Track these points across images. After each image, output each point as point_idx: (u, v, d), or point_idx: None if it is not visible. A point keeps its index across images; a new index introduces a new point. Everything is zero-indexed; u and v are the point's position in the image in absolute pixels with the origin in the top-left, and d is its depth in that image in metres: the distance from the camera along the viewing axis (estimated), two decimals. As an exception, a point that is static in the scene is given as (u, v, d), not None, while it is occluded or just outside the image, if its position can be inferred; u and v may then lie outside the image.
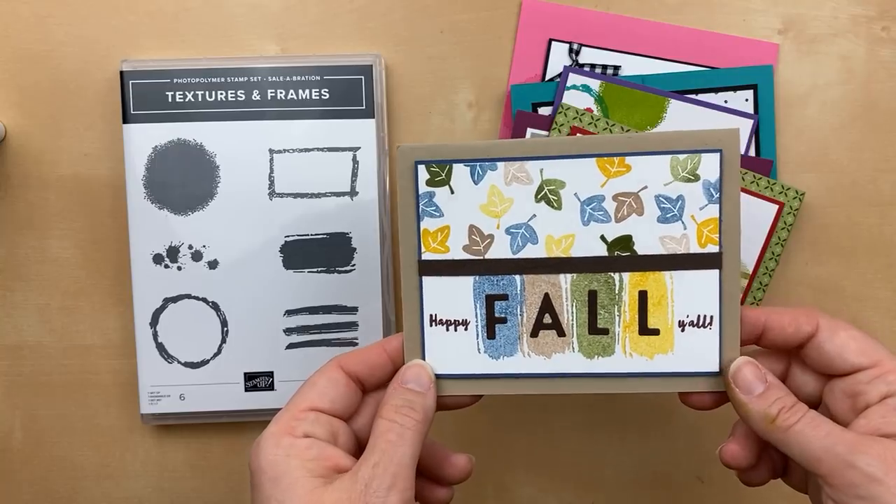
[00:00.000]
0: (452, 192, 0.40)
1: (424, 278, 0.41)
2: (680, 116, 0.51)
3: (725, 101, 0.52)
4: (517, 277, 0.40)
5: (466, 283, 0.41)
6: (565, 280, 0.40)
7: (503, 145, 0.40)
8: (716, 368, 0.40)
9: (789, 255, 0.53)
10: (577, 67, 0.52)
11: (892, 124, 0.53)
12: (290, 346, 0.52)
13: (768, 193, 0.51)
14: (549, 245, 0.40)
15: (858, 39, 0.52)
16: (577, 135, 0.50)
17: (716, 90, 0.52)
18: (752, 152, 0.52)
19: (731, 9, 0.52)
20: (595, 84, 0.52)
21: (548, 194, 0.40)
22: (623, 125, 0.51)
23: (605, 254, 0.40)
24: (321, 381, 0.40)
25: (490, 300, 0.41)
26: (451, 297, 0.41)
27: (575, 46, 0.52)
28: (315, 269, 0.52)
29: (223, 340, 0.52)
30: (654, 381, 0.40)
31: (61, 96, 0.52)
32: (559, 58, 0.52)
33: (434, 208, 0.40)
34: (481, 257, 0.40)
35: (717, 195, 0.39)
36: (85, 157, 0.53)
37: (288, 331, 0.52)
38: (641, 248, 0.40)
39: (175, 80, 0.51)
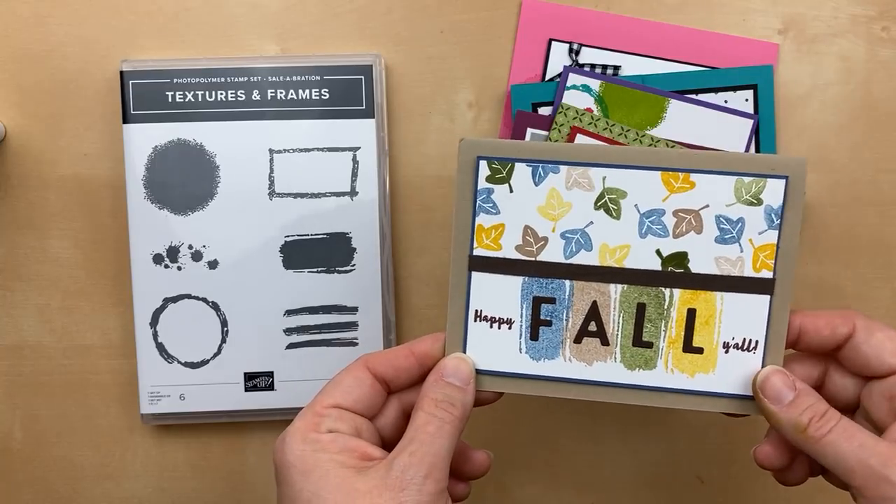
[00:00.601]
0: (511, 191, 0.40)
1: (473, 273, 0.41)
2: (680, 116, 0.51)
3: (725, 101, 0.52)
4: (567, 283, 0.40)
5: (515, 282, 0.41)
6: (615, 290, 0.40)
7: (569, 149, 0.40)
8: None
9: (789, 255, 0.53)
10: (577, 67, 0.52)
11: (892, 124, 0.53)
12: (290, 346, 0.52)
13: (768, 193, 0.51)
14: (603, 254, 0.40)
15: (858, 39, 0.52)
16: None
17: (716, 90, 0.52)
18: (752, 152, 0.52)
19: (731, 9, 0.52)
20: (595, 84, 0.52)
21: (608, 202, 0.40)
22: (623, 125, 0.51)
23: (659, 268, 0.40)
24: (347, 379, 0.40)
25: (537, 302, 0.41)
26: (499, 294, 0.41)
27: (575, 46, 0.52)
28: (315, 269, 0.52)
29: (223, 340, 0.52)
30: (692, 399, 0.40)
31: (61, 96, 0.52)
32: (559, 58, 0.52)
33: (491, 205, 0.40)
34: (533, 259, 0.41)
35: (778, 222, 0.39)
36: (85, 157, 0.53)
37: (288, 331, 0.52)
38: (696, 266, 0.40)
39: (175, 80, 0.51)
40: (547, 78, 0.52)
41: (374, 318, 0.52)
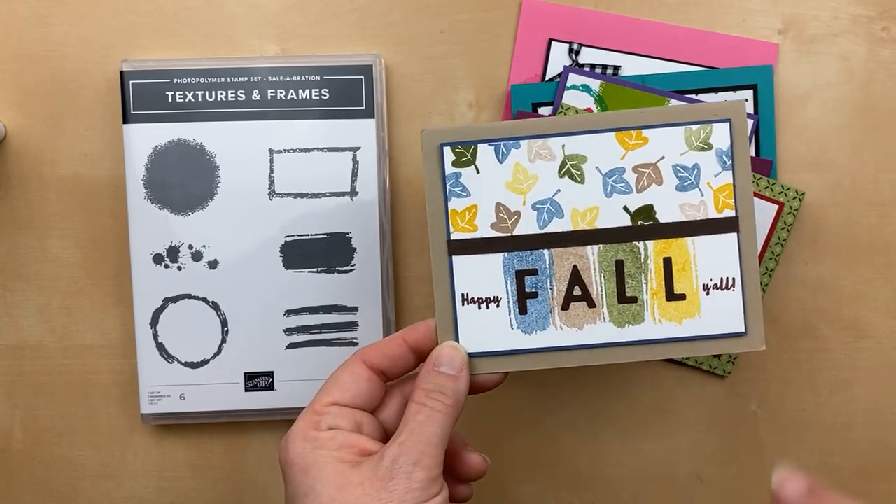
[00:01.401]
0: (478, 172, 0.41)
1: (454, 258, 0.42)
2: (680, 116, 0.51)
3: (725, 101, 0.52)
4: (545, 252, 0.41)
5: (496, 260, 0.41)
6: (592, 252, 0.41)
7: (525, 124, 0.41)
8: (741, 329, 0.41)
9: (789, 255, 0.53)
10: (577, 67, 0.52)
11: (892, 124, 0.53)
12: (290, 346, 0.52)
13: (768, 193, 0.51)
14: (575, 218, 0.41)
15: (858, 39, 0.52)
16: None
17: (716, 90, 0.52)
18: (752, 152, 0.52)
19: (731, 9, 0.52)
20: (595, 84, 0.52)
21: (570, 169, 0.41)
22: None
23: (629, 224, 0.41)
24: (343, 376, 0.40)
25: (520, 276, 0.41)
26: (482, 275, 0.41)
27: (575, 46, 0.52)
28: (315, 269, 0.52)
29: (223, 340, 0.52)
30: (684, 346, 0.41)
31: (61, 96, 0.52)
32: (559, 58, 0.52)
33: (461, 188, 0.41)
34: (509, 234, 0.41)
35: (730, 162, 0.41)
36: (85, 157, 0.53)
37: (288, 331, 0.52)
38: (663, 216, 0.41)
39: (175, 80, 0.51)
40: (547, 78, 0.52)
41: (374, 318, 0.52)
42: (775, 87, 0.52)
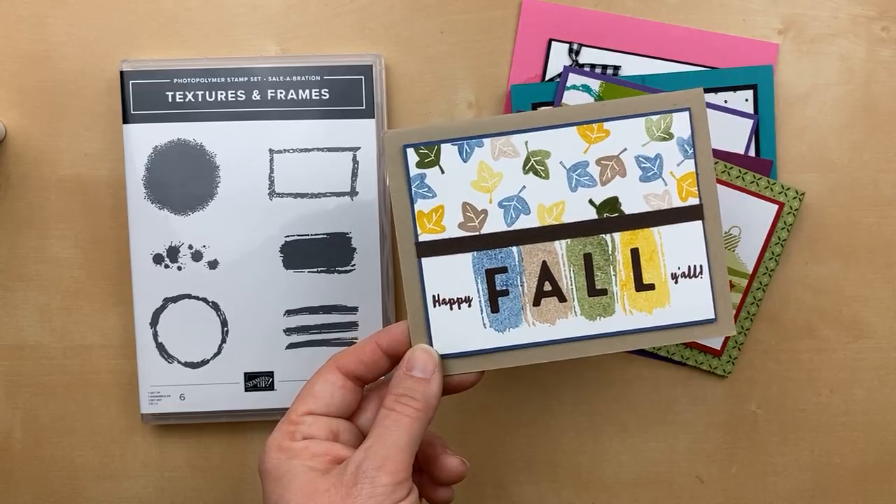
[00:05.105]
0: (443, 172, 0.41)
1: (423, 260, 0.41)
2: (680, 116, 0.51)
3: (725, 101, 0.52)
4: (514, 249, 0.41)
5: (465, 259, 0.41)
6: (560, 246, 0.41)
7: (487, 122, 0.41)
8: (711, 315, 0.41)
9: (789, 255, 0.53)
10: (577, 67, 0.52)
11: (892, 124, 0.53)
12: (290, 346, 0.52)
13: (768, 193, 0.51)
14: (542, 214, 0.41)
15: (858, 39, 0.52)
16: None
17: (716, 90, 0.52)
18: (752, 152, 0.52)
19: (731, 9, 0.52)
20: (595, 84, 0.52)
21: (535, 165, 0.41)
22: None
23: (595, 217, 0.41)
24: (317, 384, 0.41)
25: (490, 274, 0.41)
26: (452, 275, 0.41)
27: (575, 46, 0.52)
28: (315, 269, 0.52)
29: (223, 340, 0.52)
30: (656, 335, 0.42)
31: (61, 96, 0.52)
32: (559, 58, 0.52)
33: (426, 189, 0.41)
34: (477, 233, 0.41)
35: (691, 150, 0.41)
36: (85, 157, 0.53)
37: (288, 331, 0.52)
38: (628, 207, 0.41)
39: (175, 80, 0.51)
40: (547, 78, 0.52)
41: (374, 318, 0.52)
42: (775, 87, 0.52)
